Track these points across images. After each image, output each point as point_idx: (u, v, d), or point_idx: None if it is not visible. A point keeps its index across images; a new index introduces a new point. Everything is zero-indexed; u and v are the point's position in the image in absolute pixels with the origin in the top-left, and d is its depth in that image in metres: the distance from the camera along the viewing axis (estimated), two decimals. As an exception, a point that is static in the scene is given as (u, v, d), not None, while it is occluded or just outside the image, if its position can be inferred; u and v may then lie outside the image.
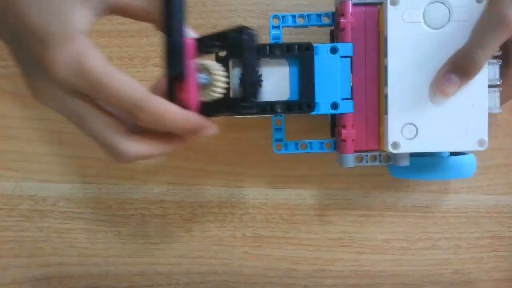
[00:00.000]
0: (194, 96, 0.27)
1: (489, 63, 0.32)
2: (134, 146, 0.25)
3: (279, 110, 0.31)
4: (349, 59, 0.33)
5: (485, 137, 0.32)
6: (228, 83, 0.28)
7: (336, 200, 0.42)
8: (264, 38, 0.37)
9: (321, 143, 0.37)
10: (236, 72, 0.29)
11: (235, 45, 0.27)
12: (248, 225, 0.42)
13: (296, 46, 0.31)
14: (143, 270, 0.43)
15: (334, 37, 0.37)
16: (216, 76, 0.28)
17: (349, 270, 0.42)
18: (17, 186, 0.42)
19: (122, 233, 0.42)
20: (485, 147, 0.32)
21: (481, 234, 0.42)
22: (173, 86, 0.27)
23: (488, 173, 0.41)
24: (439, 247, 0.42)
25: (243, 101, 0.27)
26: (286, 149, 0.36)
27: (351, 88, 0.34)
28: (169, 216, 0.42)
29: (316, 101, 0.32)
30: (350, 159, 0.35)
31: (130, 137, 0.25)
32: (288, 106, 0.31)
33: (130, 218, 0.42)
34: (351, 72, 0.33)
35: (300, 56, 0.31)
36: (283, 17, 0.35)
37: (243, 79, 0.27)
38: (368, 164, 0.36)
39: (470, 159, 0.37)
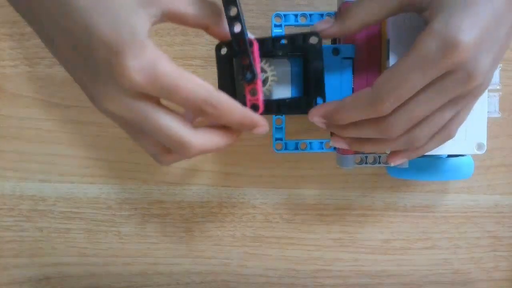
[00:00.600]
0: (261, 95, 0.29)
1: None
2: (200, 138, 0.27)
3: (285, 110, 0.31)
4: (350, 60, 0.33)
5: (484, 141, 0.33)
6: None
7: (336, 200, 0.42)
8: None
9: (321, 143, 0.37)
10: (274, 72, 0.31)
11: (304, 49, 0.29)
12: (248, 225, 0.42)
13: (302, 37, 0.29)
14: (143, 270, 0.43)
15: (335, 38, 0.37)
16: (268, 75, 0.30)
17: (349, 270, 0.42)
18: (17, 186, 0.42)
19: (122, 233, 0.42)
20: (484, 151, 0.33)
21: (481, 234, 0.42)
22: (243, 87, 0.29)
23: (488, 173, 0.41)
24: (439, 247, 0.42)
25: (309, 102, 0.30)
26: (286, 148, 0.36)
27: (353, 89, 0.34)
28: (169, 216, 0.42)
29: (318, 102, 0.32)
30: (350, 160, 0.35)
31: (195, 130, 0.27)
32: (296, 104, 0.31)
33: (130, 218, 0.42)
34: (353, 73, 0.33)
35: (307, 48, 0.29)
36: (285, 15, 0.35)
37: (311, 82, 0.30)
38: (368, 165, 0.36)
39: (467, 161, 0.37)
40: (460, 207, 0.41)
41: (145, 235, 0.42)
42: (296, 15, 0.35)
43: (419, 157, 0.36)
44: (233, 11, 0.27)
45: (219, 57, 0.29)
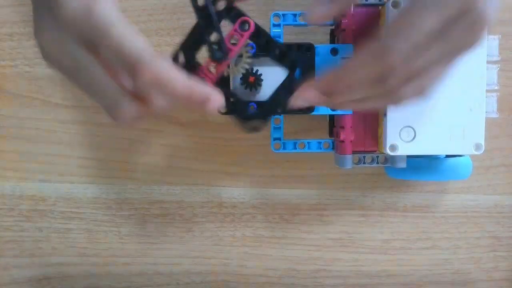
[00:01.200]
0: (217, 75, 0.27)
1: (488, 68, 0.32)
2: (162, 60, 0.23)
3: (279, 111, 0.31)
4: None
5: (482, 141, 0.33)
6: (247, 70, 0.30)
7: (336, 200, 0.42)
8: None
9: (319, 142, 0.37)
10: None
11: (300, 60, 0.30)
12: (248, 225, 0.42)
13: (296, 46, 0.31)
14: (143, 270, 0.43)
15: (334, 37, 0.37)
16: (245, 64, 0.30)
17: (349, 270, 0.42)
18: (17, 186, 0.42)
19: (122, 233, 0.42)
20: (482, 151, 0.33)
21: (481, 234, 0.42)
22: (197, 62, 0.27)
23: (488, 173, 0.41)
24: (439, 247, 0.42)
25: (277, 106, 0.30)
26: (284, 148, 0.36)
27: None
28: (169, 216, 0.42)
29: (297, 74, 0.32)
30: (348, 160, 0.35)
31: (131, 96, 0.24)
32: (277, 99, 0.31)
33: (130, 218, 0.42)
34: None
35: (301, 57, 0.31)
36: (283, 15, 0.35)
37: (285, 89, 0.30)
38: (366, 165, 0.36)
39: (466, 161, 0.37)
40: (460, 207, 0.41)
41: (145, 235, 0.42)
42: (294, 15, 0.35)
43: (417, 157, 0.36)
44: None
45: (196, 8, 0.27)
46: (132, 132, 0.41)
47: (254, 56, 0.30)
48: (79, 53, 0.24)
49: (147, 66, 0.22)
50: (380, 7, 0.34)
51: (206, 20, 0.27)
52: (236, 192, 0.42)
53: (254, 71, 0.31)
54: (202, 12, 0.26)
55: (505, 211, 0.41)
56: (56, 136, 0.41)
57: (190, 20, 0.28)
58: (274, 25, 0.35)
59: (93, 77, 0.24)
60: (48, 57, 0.25)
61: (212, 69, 0.27)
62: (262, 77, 0.31)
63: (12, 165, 0.42)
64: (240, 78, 0.30)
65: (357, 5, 0.33)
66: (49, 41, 0.24)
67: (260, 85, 0.31)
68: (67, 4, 0.23)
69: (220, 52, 0.26)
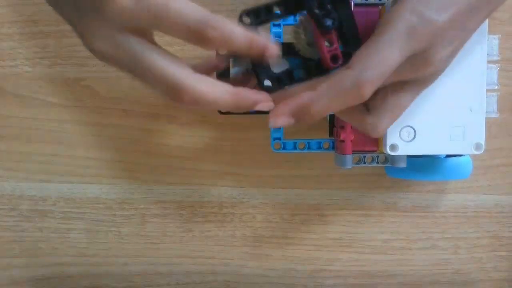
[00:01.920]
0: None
1: (488, 68, 0.32)
2: (201, 84, 0.24)
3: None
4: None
5: (482, 141, 0.33)
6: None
7: (336, 200, 0.42)
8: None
9: (319, 142, 0.37)
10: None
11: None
12: (248, 225, 0.42)
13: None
14: (143, 270, 0.43)
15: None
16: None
17: (349, 270, 0.42)
18: (17, 186, 0.42)
19: (122, 233, 0.42)
20: (482, 151, 0.33)
21: (481, 234, 0.42)
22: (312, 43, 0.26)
23: (488, 173, 0.41)
24: (439, 247, 0.42)
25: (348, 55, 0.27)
26: (284, 148, 0.36)
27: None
28: (169, 216, 0.42)
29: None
30: (348, 160, 0.35)
31: (196, 74, 0.24)
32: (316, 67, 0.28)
33: (130, 218, 0.42)
34: None
35: (337, 10, 0.28)
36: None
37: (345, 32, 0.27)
38: (366, 165, 0.36)
39: (466, 160, 0.37)
40: (460, 207, 0.41)
41: (145, 235, 0.42)
42: (295, 15, 0.35)
43: (416, 157, 0.36)
44: None
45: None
46: (132, 132, 0.41)
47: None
48: (136, 43, 0.24)
49: (214, 25, 0.23)
50: (380, 7, 0.34)
51: None
52: (236, 192, 0.42)
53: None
54: None
55: (505, 211, 0.41)
56: (56, 136, 0.41)
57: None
58: (274, 25, 0.35)
59: (151, 63, 0.24)
60: (107, 58, 0.25)
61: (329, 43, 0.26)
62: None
63: (12, 165, 0.42)
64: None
65: (357, 4, 0.33)
66: (105, 44, 0.24)
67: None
68: None
69: (329, 20, 0.26)
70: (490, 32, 0.33)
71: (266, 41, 0.25)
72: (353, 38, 0.28)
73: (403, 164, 0.35)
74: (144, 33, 0.24)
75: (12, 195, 0.42)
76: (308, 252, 0.42)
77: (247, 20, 0.27)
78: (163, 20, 0.23)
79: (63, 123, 0.41)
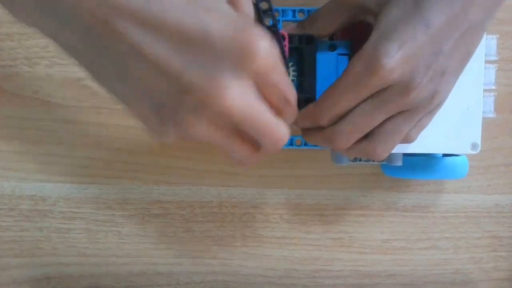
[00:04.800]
0: None
1: (486, 68, 0.32)
2: (284, 127, 0.26)
3: None
4: (347, 57, 0.33)
5: (479, 140, 0.33)
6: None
7: (336, 200, 0.42)
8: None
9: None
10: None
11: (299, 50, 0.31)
12: (248, 225, 0.42)
13: (297, 38, 0.31)
14: (143, 270, 0.43)
15: (333, 35, 0.37)
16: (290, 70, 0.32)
17: (349, 270, 0.42)
18: (17, 186, 0.42)
19: (122, 233, 0.42)
20: (478, 150, 0.33)
21: (481, 234, 0.42)
22: None
23: (488, 173, 0.41)
24: (439, 247, 0.42)
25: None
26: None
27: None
28: (169, 216, 0.42)
29: None
30: (344, 157, 0.35)
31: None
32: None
33: (130, 218, 0.42)
34: None
35: (302, 49, 0.31)
36: (283, 11, 0.35)
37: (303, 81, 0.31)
38: (362, 162, 0.36)
39: (462, 160, 0.37)
40: (460, 207, 0.41)
41: (145, 235, 0.42)
42: (294, 11, 0.35)
43: (414, 156, 0.36)
44: (264, 5, 0.27)
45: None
46: (132, 132, 0.41)
47: None
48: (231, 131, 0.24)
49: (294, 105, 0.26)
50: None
51: None
52: (236, 192, 0.42)
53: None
54: None
55: (505, 211, 0.41)
56: (56, 136, 0.41)
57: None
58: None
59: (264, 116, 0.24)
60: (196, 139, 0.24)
61: None
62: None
63: (12, 165, 0.42)
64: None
65: None
66: (207, 133, 0.23)
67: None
68: (228, 93, 0.21)
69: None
70: (488, 32, 0.33)
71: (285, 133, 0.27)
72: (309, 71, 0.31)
73: (399, 162, 0.35)
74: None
75: (12, 195, 0.42)
76: (308, 252, 0.42)
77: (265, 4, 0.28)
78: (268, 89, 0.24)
79: (63, 123, 0.41)
